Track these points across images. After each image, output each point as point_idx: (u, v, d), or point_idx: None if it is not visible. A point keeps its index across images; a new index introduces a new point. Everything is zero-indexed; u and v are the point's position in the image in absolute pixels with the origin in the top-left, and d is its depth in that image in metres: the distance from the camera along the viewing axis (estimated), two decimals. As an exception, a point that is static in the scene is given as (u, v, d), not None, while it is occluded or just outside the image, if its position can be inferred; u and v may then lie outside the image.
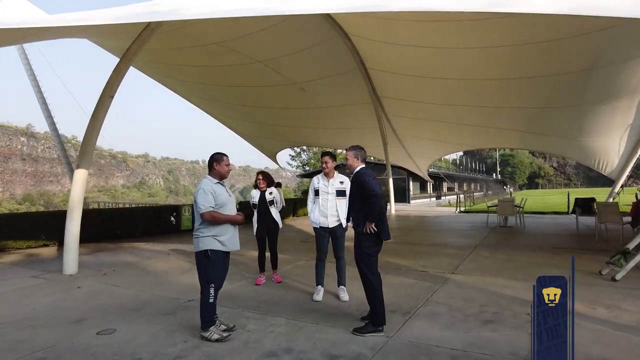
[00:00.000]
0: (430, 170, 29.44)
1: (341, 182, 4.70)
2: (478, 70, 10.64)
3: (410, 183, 30.69)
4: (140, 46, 7.24)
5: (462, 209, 19.95)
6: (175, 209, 12.19)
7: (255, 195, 5.57)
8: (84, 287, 5.43)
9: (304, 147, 37.38)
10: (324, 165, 4.71)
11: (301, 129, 18.49)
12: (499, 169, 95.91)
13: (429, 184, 34.81)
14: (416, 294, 4.78)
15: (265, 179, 5.52)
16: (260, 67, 12.57)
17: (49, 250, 8.73)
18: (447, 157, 67.70)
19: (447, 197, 37.29)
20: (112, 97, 6.96)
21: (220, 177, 3.75)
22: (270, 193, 5.54)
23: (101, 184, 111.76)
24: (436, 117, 14.50)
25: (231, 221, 3.64)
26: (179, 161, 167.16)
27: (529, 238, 9.77)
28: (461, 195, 23.47)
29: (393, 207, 18.05)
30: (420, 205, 28.10)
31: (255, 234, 5.53)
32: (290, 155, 39.73)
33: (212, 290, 3.52)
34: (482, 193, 46.68)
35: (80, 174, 6.48)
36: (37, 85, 23.21)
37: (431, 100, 13.16)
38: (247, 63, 12.34)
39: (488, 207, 13.24)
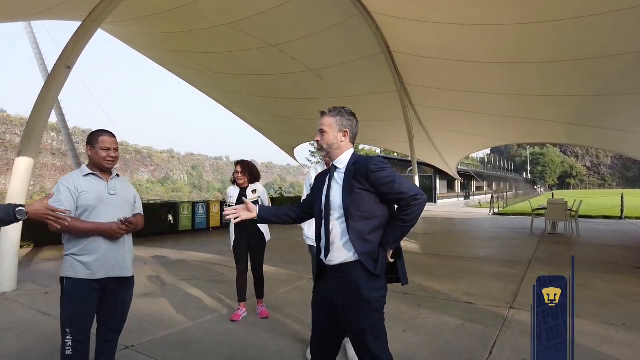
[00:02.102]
0: (458, 167, 27.40)
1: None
2: (518, 52, 8.86)
3: (437, 181, 28.69)
4: (108, 7, 5.82)
5: (495, 210, 17.99)
6: (173, 207, 10.83)
7: (232, 193, 3.94)
8: (2, 315, 4.02)
9: (325, 142, 35.89)
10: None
11: (319, 122, 16.99)
12: (529, 168, 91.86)
13: (457, 182, 32.66)
14: (465, 349, 3.13)
15: (246, 171, 3.87)
16: (273, 52, 11.14)
17: (17, 254, 7.46)
18: (473, 155, 65.01)
19: (476, 197, 35.05)
20: (70, 68, 5.57)
21: (98, 167, 2.34)
22: (254, 191, 3.88)
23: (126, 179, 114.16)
24: (469, 107, 12.73)
25: (95, 232, 2.21)
26: (203, 157, 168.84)
27: (592, 251, 7.89)
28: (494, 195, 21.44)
29: (419, 208, 16.30)
30: (448, 205, 26.07)
31: (232, 248, 3.93)
32: (310, 151, 38.26)
33: (68, 339, 2.16)
34: (512, 193, 44.00)
35: (23, 164, 5.09)
36: (46, 76, 22.55)
37: (463, 88, 11.44)
38: (258, 48, 10.93)
39: (533, 210, 11.31)
